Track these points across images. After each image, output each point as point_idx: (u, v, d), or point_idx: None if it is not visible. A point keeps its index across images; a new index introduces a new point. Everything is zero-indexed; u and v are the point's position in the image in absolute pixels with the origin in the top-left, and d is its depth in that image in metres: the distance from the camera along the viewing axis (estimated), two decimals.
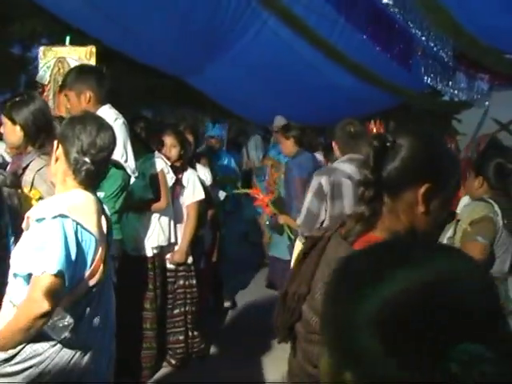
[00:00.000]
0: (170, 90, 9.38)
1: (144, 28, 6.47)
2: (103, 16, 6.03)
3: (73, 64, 4.69)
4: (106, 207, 2.56)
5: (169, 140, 4.87)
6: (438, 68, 9.01)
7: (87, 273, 2.29)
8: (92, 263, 2.30)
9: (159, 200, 4.48)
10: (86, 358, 2.30)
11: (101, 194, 3.68)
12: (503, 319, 0.81)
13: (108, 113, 3.93)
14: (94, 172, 2.39)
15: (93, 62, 4.77)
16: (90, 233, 2.28)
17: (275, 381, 4.69)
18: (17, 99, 3.29)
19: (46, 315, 2.13)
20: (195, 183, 4.93)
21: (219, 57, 7.90)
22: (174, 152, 4.86)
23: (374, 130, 7.24)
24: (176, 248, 4.79)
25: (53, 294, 2.13)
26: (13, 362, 2.18)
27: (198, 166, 5.52)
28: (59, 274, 2.14)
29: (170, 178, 4.63)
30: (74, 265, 2.21)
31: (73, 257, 2.20)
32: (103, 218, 2.43)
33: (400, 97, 10.29)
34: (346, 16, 6.59)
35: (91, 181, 2.43)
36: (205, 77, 8.45)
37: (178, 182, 4.82)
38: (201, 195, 4.94)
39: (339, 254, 1.54)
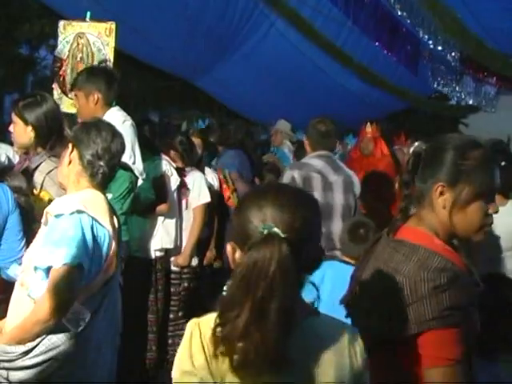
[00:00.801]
0: (177, 93, 9.42)
1: (153, 29, 6.50)
2: (111, 17, 6.05)
3: (92, 40, 4.66)
4: (114, 208, 2.60)
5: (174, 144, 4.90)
6: (445, 72, 9.02)
7: (103, 267, 2.35)
8: (106, 257, 2.36)
9: (163, 202, 4.47)
10: (98, 350, 2.35)
11: (108, 196, 3.69)
12: None
13: (116, 115, 3.93)
14: (108, 176, 2.48)
15: (112, 38, 4.71)
16: (105, 228, 2.35)
17: None
18: (29, 99, 3.29)
19: (66, 307, 2.18)
20: (201, 186, 4.91)
21: (227, 57, 7.93)
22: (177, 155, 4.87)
23: (370, 133, 7.25)
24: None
25: (72, 286, 2.20)
26: (32, 354, 2.21)
27: (207, 169, 5.48)
28: (78, 267, 2.20)
29: (175, 181, 4.63)
30: (91, 258, 2.28)
31: (90, 250, 2.27)
32: (114, 217, 2.49)
33: (407, 100, 10.30)
34: (353, 19, 6.60)
35: (105, 184, 2.51)
36: (212, 78, 8.48)
37: (183, 185, 4.81)
38: (207, 198, 4.91)
39: (385, 250, 1.75)
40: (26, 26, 7.66)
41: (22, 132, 3.23)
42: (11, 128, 3.38)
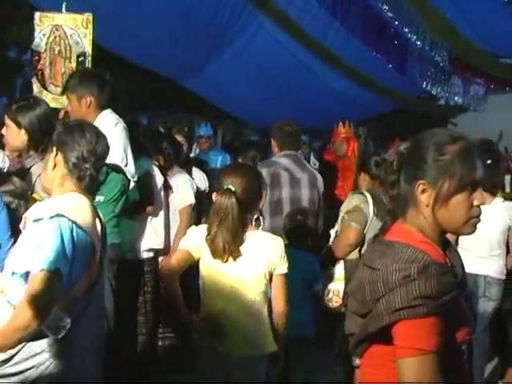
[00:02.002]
0: (167, 94, 9.40)
1: (144, 28, 6.47)
2: (99, 16, 6.02)
3: (69, 32, 4.61)
4: (100, 212, 2.57)
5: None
6: (433, 72, 9.05)
7: (85, 273, 2.31)
8: (89, 263, 2.32)
9: (149, 203, 4.46)
10: (82, 357, 2.32)
11: (100, 198, 3.68)
12: None
13: (109, 117, 3.94)
14: (95, 178, 2.44)
15: (90, 30, 4.68)
16: (87, 233, 2.30)
17: None
18: (22, 103, 3.27)
19: (45, 313, 2.15)
20: (186, 187, 4.89)
21: (217, 57, 7.92)
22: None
23: (343, 133, 7.28)
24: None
25: (50, 292, 2.16)
26: (12, 362, 2.19)
27: (194, 169, 5.47)
28: (56, 272, 2.16)
29: (159, 180, 4.61)
30: (71, 263, 2.23)
31: (69, 256, 2.22)
32: (98, 221, 2.45)
33: (395, 101, 10.33)
34: (340, 19, 6.61)
35: (92, 186, 2.48)
36: (202, 78, 8.47)
37: (168, 186, 4.80)
38: (191, 200, 4.89)
39: (367, 253, 1.84)
40: (14, 29, 7.61)
41: (15, 135, 3.24)
42: (3, 131, 3.37)
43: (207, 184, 5.46)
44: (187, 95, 9.37)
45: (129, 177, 3.88)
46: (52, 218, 2.22)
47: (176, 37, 6.86)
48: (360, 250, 4.15)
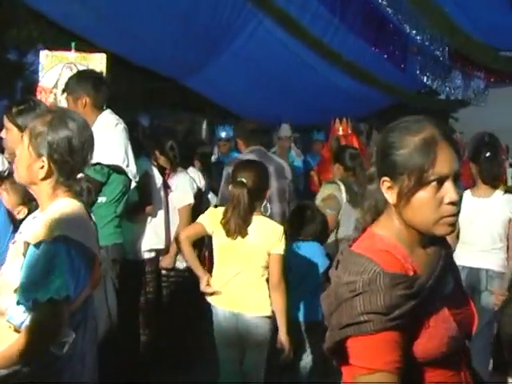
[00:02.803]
0: (168, 94, 9.40)
1: (144, 28, 6.49)
2: (99, 17, 6.03)
3: (82, 69, 4.65)
4: (102, 212, 2.49)
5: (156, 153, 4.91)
6: (433, 67, 9.04)
7: (87, 286, 2.23)
8: (90, 275, 2.24)
9: (148, 202, 4.47)
10: (82, 361, 2.24)
11: (103, 199, 3.70)
12: None
13: (109, 118, 3.95)
14: (89, 188, 2.30)
15: (103, 68, 4.72)
16: (88, 247, 2.20)
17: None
18: (23, 105, 3.25)
19: (53, 341, 2.08)
20: (185, 187, 4.90)
21: (217, 56, 7.93)
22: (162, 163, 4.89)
23: (341, 130, 7.27)
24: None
25: (60, 321, 2.08)
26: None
27: (191, 169, 5.45)
28: (65, 299, 2.07)
29: (157, 180, 4.62)
30: (77, 283, 2.14)
31: (75, 276, 2.13)
32: (91, 224, 2.34)
33: (396, 96, 10.32)
34: (340, 16, 6.61)
35: (77, 187, 2.30)
36: (203, 77, 8.48)
37: (167, 186, 4.82)
38: (190, 199, 4.90)
39: (336, 261, 1.65)
40: (14, 31, 7.63)
41: (15, 139, 3.21)
42: (3, 134, 3.36)
43: (203, 183, 5.47)
44: (188, 95, 9.38)
45: (130, 177, 3.89)
46: (53, 240, 2.09)
47: (176, 38, 6.87)
48: (336, 234, 4.66)
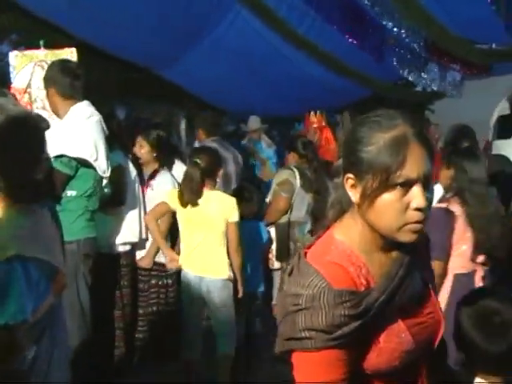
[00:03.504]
0: (144, 85, 9.31)
1: (119, 17, 6.40)
2: (71, 4, 5.94)
3: None
4: (72, 207, 2.38)
5: (139, 140, 4.87)
6: (410, 59, 9.06)
7: (48, 299, 2.10)
8: (52, 286, 2.10)
9: (121, 196, 4.43)
10: (41, 371, 2.13)
11: (72, 193, 3.63)
12: None
13: (82, 110, 3.88)
14: (39, 187, 2.07)
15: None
16: (46, 261, 2.05)
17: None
18: None
19: (11, 362, 1.99)
20: (167, 186, 4.88)
21: (194, 46, 7.87)
22: (144, 153, 4.84)
23: (315, 122, 7.41)
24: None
25: (18, 344, 1.98)
26: None
27: (178, 163, 5.39)
28: (24, 322, 1.95)
29: (132, 173, 4.58)
30: (36, 299, 2.01)
31: (34, 294, 1.98)
32: (54, 223, 2.21)
33: (372, 88, 10.33)
34: (316, 8, 6.59)
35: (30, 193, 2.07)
36: (180, 68, 8.41)
37: (149, 185, 4.80)
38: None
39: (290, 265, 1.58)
40: None
41: None
42: None
43: None
44: (165, 85, 9.30)
45: (99, 172, 3.83)
46: (7, 261, 1.93)
47: (151, 27, 6.80)
48: (290, 216, 5.13)
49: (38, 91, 4.44)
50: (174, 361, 4.85)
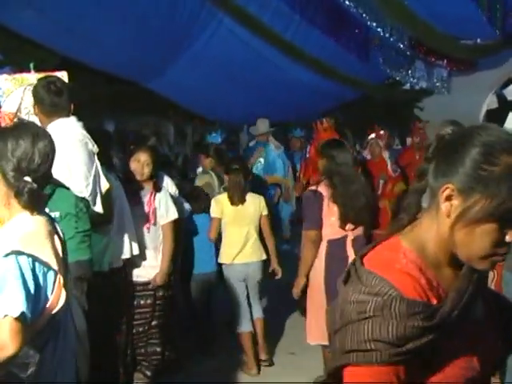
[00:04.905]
0: (130, 98, 9.27)
1: (101, 30, 6.37)
2: (53, 22, 5.90)
3: None
4: (59, 227, 2.37)
5: (143, 157, 4.78)
6: (396, 58, 9.07)
7: (49, 303, 2.15)
8: (52, 293, 2.15)
9: (106, 215, 4.35)
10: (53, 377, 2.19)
11: (56, 214, 3.43)
12: None
13: (60, 127, 3.72)
14: (37, 190, 2.18)
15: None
16: (47, 264, 2.12)
17: None
18: None
19: (12, 358, 2.00)
20: (168, 203, 4.87)
21: (178, 57, 7.84)
22: (147, 170, 4.80)
23: (326, 134, 7.27)
24: (149, 264, 4.77)
25: (17, 337, 1.99)
26: None
27: (165, 177, 5.35)
28: (22, 316, 1.99)
29: (118, 190, 4.50)
30: (35, 300, 2.06)
31: (33, 293, 2.05)
32: (57, 239, 2.26)
33: (360, 89, 10.33)
34: (300, 12, 6.58)
35: (37, 201, 2.20)
36: (165, 80, 8.39)
37: (150, 204, 4.78)
38: (174, 215, 4.90)
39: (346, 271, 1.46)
40: None
41: None
42: None
43: (174, 188, 5.40)
44: (151, 98, 9.26)
45: (74, 191, 3.63)
46: (8, 255, 2.02)
47: (134, 40, 6.77)
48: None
49: (29, 115, 4.38)
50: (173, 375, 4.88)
